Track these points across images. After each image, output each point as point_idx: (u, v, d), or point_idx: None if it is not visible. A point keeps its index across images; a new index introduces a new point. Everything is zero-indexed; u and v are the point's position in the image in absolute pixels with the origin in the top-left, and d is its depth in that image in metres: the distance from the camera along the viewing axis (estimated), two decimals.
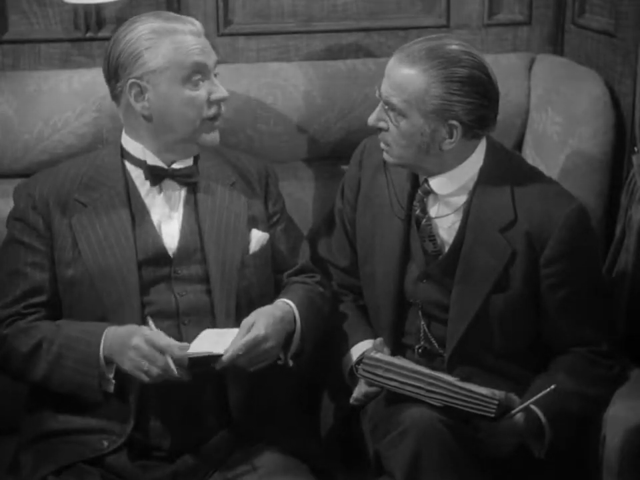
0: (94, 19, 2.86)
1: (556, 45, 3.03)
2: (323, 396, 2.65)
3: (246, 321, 2.31)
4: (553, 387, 2.23)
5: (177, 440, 2.35)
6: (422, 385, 2.26)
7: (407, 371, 2.29)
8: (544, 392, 2.23)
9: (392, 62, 2.36)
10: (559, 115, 2.79)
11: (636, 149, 2.62)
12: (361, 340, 2.52)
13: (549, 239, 2.36)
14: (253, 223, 2.47)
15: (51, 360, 2.32)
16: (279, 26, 2.95)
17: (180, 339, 2.33)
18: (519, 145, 2.91)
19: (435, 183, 2.42)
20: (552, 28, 3.02)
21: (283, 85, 2.83)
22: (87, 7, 2.83)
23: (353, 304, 2.60)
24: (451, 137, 2.34)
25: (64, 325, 2.36)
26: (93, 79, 2.74)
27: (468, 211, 2.41)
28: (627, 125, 2.72)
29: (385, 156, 2.42)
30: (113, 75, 2.36)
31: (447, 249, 2.44)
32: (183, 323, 2.36)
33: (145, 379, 2.24)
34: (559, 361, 2.42)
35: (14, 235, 2.42)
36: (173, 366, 2.21)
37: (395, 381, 2.29)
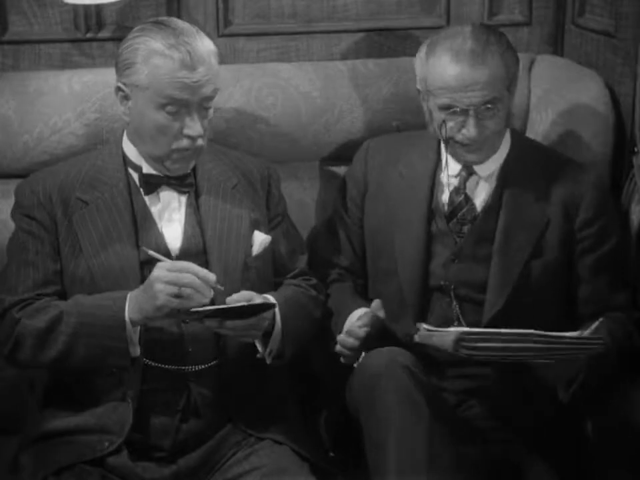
0: (94, 20, 2.86)
1: (556, 46, 3.03)
2: (324, 395, 2.65)
3: (244, 292, 2.29)
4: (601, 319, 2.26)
5: (177, 440, 2.35)
6: (529, 345, 2.21)
7: (503, 335, 2.21)
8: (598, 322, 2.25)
9: (461, 71, 2.35)
10: (559, 116, 2.79)
11: (636, 149, 2.62)
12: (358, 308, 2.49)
13: (581, 202, 2.45)
14: (255, 225, 2.46)
15: (72, 332, 2.28)
16: (279, 27, 2.96)
17: (181, 337, 2.34)
18: None
19: (479, 165, 2.48)
20: (552, 28, 3.02)
21: (283, 85, 2.83)
22: (87, 7, 2.84)
23: (352, 285, 2.60)
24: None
25: (81, 297, 2.33)
26: (93, 79, 2.75)
27: (503, 185, 2.46)
28: (626, 125, 2.73)
29: (477, 157, 2.45)
30: (116, 70, 2.37)
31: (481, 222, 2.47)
32: (184, 322, 2.35)
33: (185, 304, 2.21)
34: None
35: (22, 227, 2.40)
36: (203, 273, 2.22)
37: (497, 350, 2.21)
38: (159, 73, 2.29)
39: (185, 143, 2.33)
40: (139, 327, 2.28)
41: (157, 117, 2.31)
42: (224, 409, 2.38)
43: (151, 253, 2.29)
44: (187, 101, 2.30)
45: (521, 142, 2.53)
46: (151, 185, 2.40)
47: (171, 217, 2.41)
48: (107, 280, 2.34)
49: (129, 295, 2.28)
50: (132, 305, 2.26)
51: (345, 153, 2.85)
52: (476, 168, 2.48)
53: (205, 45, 2.33)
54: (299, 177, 2.85)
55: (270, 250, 2.48)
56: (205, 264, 2.37)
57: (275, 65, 2.90)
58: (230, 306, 2.23)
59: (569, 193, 2.45)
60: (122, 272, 2.34)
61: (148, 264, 2.35)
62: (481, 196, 2.49)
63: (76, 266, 2.36)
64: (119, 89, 2.35)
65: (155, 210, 2.40)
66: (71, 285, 2.37)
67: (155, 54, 2.29)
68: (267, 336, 2.35)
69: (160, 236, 2.39)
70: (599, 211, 2.46)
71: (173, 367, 2.34)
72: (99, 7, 2.84)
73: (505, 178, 2.48)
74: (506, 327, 2.26)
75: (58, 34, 2.87)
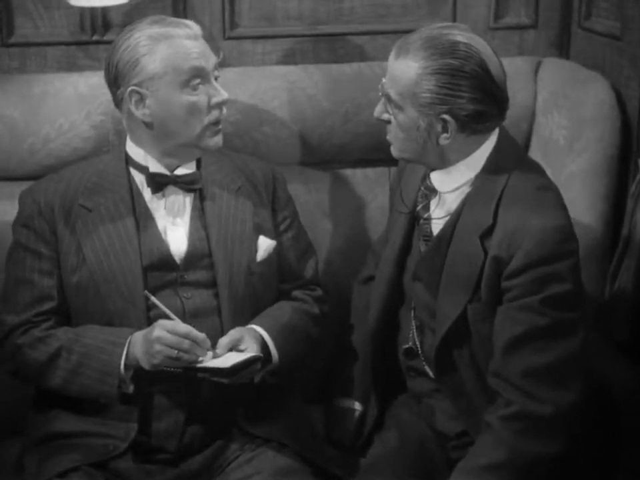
0: (100, 22, 2.87)
1: (562, 49, 3.02)
2: (328, 399, 2.64)
3: (234, 332, 2.32)
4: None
5: (181, 443, 2.35)
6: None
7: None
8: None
9: (392, 51, 2.24)
10: (565, 119, 2.79)
11: None
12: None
13: (517, 250, 2.18)
14: (259, 230, 2.46)
15: (71, 369, 2.32)
16: (285, 29, 2.96)
17: None
18: (525, 148, 2.90)
19: (435, 178, 2.31)
20: (558, 31, 3.02)
21: (288, 88, 2.83)
22: (93, 9, 2.84)
23: None
24: (446, 132, 2.21)
25: (83, 332, 2.35)
26: (99, 81, 2.71)
27: (459, 215, 2.28)
28: (633, 128, 2.72)
29: (391, 149, 2.31)
30: (114, 83, 2.36)
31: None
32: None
33: (178, 364, 2.25)
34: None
35: (20, 241, 2.41)
36: (202, 338, 2.24)
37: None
38: (173, 52, 2.30)
39: (215, 114, 2.36)
40: (132, 369, 2.30)
41: (184, 98, 2.32)
42: (229, 411, 2.38)
43: (154, 300, 2.29)
44: (204, 70, 2.33)
45: (494, 169, 2.26)
46: (158, 184, 2.39)
47: (174, 221, 2.41)
48: (109, 287, 2.34)
49: (129, 340, 2.29)
50: (130, 349, 2.28)
51: (350, 156, 2.85)
52: (433, 181, 2.32)
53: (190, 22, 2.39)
54: (303, 180, 2.85)
55: (275, 255, 2.48)
56: (210, 267, 2.38)
57: (281, 67, 2.90)
58: (217, 367, 2.23)
59: (511, 236, 2.18)
60: (124, 279, 2.34)
61: (151, 270, 2.36)
62: (440, 214, 2.34)
63: (79, 274, 2.36)
64: (132, 93, 2.32)
65: (159, 214, 2.40)
66: (75, 293, 2.38)
67: (159, 39, 2.31)
68: (263, 363, 2.35)
69: (162, 242, 2.38)
70: (529, 266, 2.16)
71: (178, 369, 2.34)
72: (105, 10, 2.84)
73: (463, 210, 2.28)
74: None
75: (64, 36, 2.88)
